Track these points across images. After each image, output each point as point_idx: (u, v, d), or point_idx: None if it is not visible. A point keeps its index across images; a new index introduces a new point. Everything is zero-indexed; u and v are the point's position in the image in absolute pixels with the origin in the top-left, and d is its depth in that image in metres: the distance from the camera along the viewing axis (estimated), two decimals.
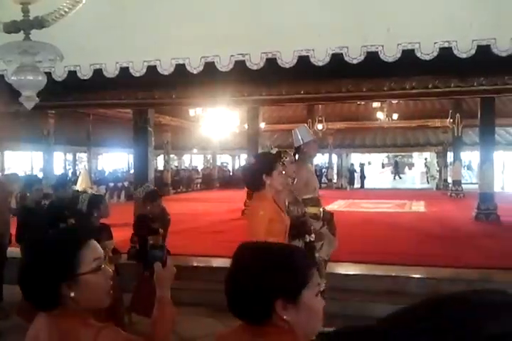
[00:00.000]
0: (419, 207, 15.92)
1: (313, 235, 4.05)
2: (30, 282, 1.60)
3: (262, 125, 17.15)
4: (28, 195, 6.03)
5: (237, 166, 32.09)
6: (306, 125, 5.85)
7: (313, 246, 4.19)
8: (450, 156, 19.66)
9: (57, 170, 20.65)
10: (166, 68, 4.66)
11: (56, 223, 5.70)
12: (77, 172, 22.56)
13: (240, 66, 4.60)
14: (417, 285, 6.39)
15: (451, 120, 18.27)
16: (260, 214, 3.43)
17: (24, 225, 5.69)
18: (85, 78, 4.91)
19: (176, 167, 29.51)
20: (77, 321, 1.60)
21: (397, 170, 37.33)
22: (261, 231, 3.36)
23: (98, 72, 4.90)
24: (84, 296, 1.60)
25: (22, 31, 2.74)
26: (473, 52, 4.08)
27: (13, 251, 6.54)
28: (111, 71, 4.78)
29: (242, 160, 30.37)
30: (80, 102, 6.73)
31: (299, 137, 5.04)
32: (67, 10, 2.40)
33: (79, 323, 1.60)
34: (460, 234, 10.05)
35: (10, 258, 6.38)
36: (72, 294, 1.58)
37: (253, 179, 3.61)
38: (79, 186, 14.28)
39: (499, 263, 7.17)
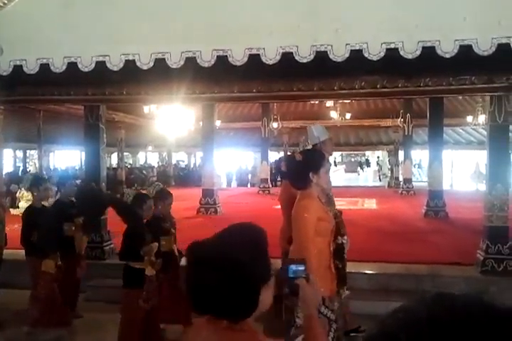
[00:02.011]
0: (371, 204, 16.22)
1: (345, 237, 3.82)
2: (232, 288, 1.38)
3: (218, 123, 17.13)
4: (35, 194, 5.63)
5: (193, 164, 31.92)
6: (317, 124, 5.60)
7: (343, 248, 3.99)
8: (401, 155, 20.11)
9: (7, 167, 20.02)
10: (115, 64, 4.60)
11: (63, 223, 5.57)
12: (28, 170, 21.96)
13: (192, 63, 4.58)
14: (368, 281, 6.52)
15: (402, 120, 18.70)
16: (305, 216, 3.28)
17: (32, 226, 5.38)
18: (32, 73, 4.78)
19: (130, 165, 29.10)
20: (253, 336, 1.44)
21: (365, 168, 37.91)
22: (309, 232, 3.23)
23: (45, 67, 4.78)
24: (264, 300, 1.46)
25: None
26: (418, 53, 4.20)
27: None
28: (58, 66, 4.68)
29: (198, 157, 30.23)
30: (27, 98, 6.53)
31: (315, 135, 4.89)
32: (5, 1, 2.34)
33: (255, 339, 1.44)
34: (410, 230, 10.30)
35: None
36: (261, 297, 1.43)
37: (299, 177, 3.44)
38: None
39: (448, 258, 7.39)
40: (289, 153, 5.49)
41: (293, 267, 1.75)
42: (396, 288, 6.41)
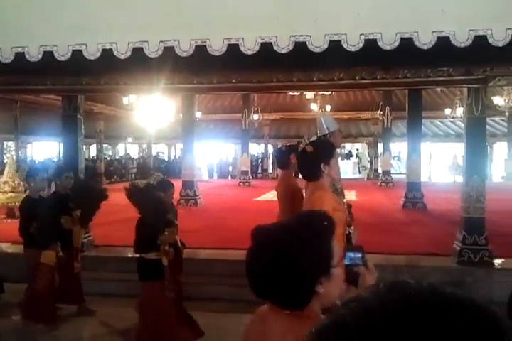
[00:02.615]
0: (350, 196, 16.29)
1: (352, 227, 3.78)
2: (286, 275, 1.37)
3: (198, 114, 17.04)
4: (31, 184, 5.53)
5: (173, 156, 31.76)
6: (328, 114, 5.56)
7: (350, 238, 3.91)
8: (380, 147, 20.27)
9: None
10: (92, 53, 4.52)
11: (60, 215, 5.49)
12: (4, 162, 21.61)
13: (171, 53, 4.53)
14: None
15: (382, 112, 18.83)
16: (323, 207, 3.14)
17: (30, 217, 5.30)
18: (6, 61, 4.69)
19: (110, 156, 28.85)
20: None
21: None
22: None
23: (20, 56, 4.69)
24: (328, 292, 1.42)
25: None
26: (396, 44, 4.21)
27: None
28: (34, 54, 4.58)
29: (178, 149, 30.06)
30: (2, 87, 6.42)
31: (324, 126, 4.84)
32: None
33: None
34: (389, 221, 10.41)
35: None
36: (322, 289, 1.41)
37: (311, 168, 3.39)
38: (5, 176, 13.66)
39: (425, 249, 7.49)
40: (287, 144, 5.45)
41: (351, 254, 1.71)
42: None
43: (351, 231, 3.56)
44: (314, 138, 4.18)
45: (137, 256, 4.55)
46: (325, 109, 22.07)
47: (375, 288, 0.56)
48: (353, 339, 0.51)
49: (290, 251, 1.37)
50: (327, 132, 4.79)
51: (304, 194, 4.69)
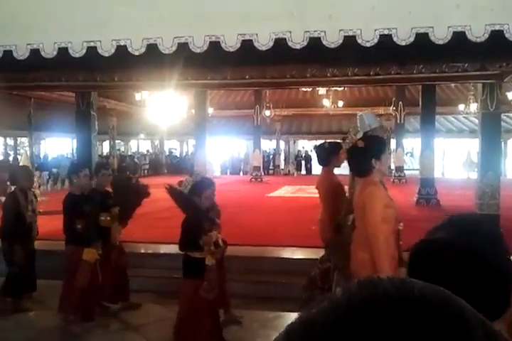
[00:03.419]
0: None
1: (401, 223, 3.65)
2: (480, 287, 1.25)
3: (210, 110, 17.06)
4: (74, 181, 5.42)
5: (185, 152, 31.85)
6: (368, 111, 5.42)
7: (399, 235, 3.97)
8: (393, 143, 20.17)
9: None
10: (106, 49, 4.53)
11: (100, 212, 5.45)
12: (19, 158, 21.79)
13: (184, 49, 4.53)
14: None
15: (394, 108, 18.72)
16: (375, 203, 3.24)
17: (75, 214, 5.23)
18: (22, 58, 4.72)
19: (123, 152, 28.98)
20: None
21: None
22: (378, 220, 3.18)
23: (35, 53, 4.72)
24: None
25: None
26: (412, 39, 4.18)
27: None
28: (49, 51, 4.60)
29: (190, 145, 30.13)
30: (16, 84, 6.47)
31: (366, 123, 4.78)
32: None
33: None
34: (402, 218, 10.31)
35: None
36: None
37: (362, 163, 3.38)
38: None
39: None
40: (329, 141, 5.38)
41: None
42: None
43: (400, 228, 3.49)
44: (361, 134, 4.15)
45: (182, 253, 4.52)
46: (337, 105, 21.99)
47: (347, 287, 0.56)
48: (319, 338, 0.52)
49: (480, 260, 1.27)
50: (369, 129, 4.72)
51: (347, 190, 4.67)
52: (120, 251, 5.84)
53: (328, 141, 5.51)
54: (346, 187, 4.82)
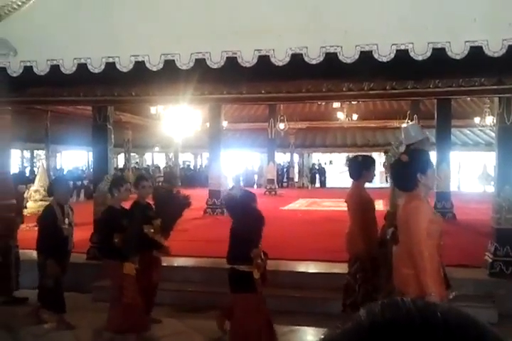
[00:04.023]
0: (377, 205, 16.18)
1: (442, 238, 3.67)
2: None
3: (224, 124, 17.14)
4: (115, 195, 5.38)
5: (199, 165, 31.95)
6: (415, 122, 5.35)
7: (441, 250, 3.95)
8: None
9: (13, 168, 20.11)
10: (125, 65, 4.60)
11: (143, 225, 5.37)
12: (35, 170, 22.03)
13: (201, 64, 4.59)
14: None
15: (409, 121, 18.64)
16: (419, 218, 3.19)
17: (114, 228, 5.13)
18: (42, 74, 4.80)
19: (137, 165, 29.16)
20: None
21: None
22: (423, 235, 3.14)
23: (55, 68, 4.80)
24: None
25: None
26: (428, 54, 4.19)
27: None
28: (68, 67, 4.69)
29: (204, 158, 30.23)
30: (36, 99, 6.56)
31: (412, 135, 4.75)
32: (20, 3, 2.35)
33: None
34: None
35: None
36: None
37: (407, 178, 3.33)
38: (36, 185, 13.92)
39: (456, 260, 7.35)
40: (361, 155, 5.35)
41: None
42: None
43: (441, 243, 3.45)
44: (403, 147, 4.11)
45: (229, 267, 4.49)
46: (351, 118, 21.98)
47: (370, 307, 0.56)
48: None
49: None
50: (414, 141, 4.68)
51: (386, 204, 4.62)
52: (158, 265, 5.78)
53: (361, 154, 5.47)
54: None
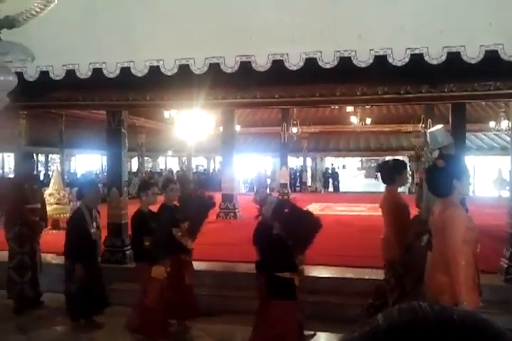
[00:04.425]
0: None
1: (479, 245, 3.56)
2: None
3: (237, 128, 17.17)
4: (143, 199, 5.43)
5: (212, 169, 32.02)
6: (441, 126, 5.33)
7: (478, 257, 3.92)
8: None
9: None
10: (140, 70, 4.64)
11: (172, 228, 5.41)
12: (50, 174, 22.22)
13: (215, 69, 4.60)
14: None
15: (423, 125, 18.53)
16: (456, 225, 3.17)
17: (144, 231, 5.17)
18: (58, 79, 4.85)
19: (150, 169, 29.30)
20: None
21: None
22: (459, 242, 3.12)
23: (71, 73, 4.85)
24: None
25: None
26: (443, 58, 4.16)
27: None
28: (84, 72, 4.73)
29: (217, 162, 30.30)
30: (52, 103, 6.64)
31: (439, 140, 4.76)
32: (38, 10, 2.38)
33: None
34: None
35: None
36: None
37: (443, 184, 3.30)
38: (51, 188, 14.02)
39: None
40: (393, 159, 5.32)
41: None
42: None
43: (478, 250, 3.41)
44: (436, 152, 4.08)
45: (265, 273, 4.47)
46: (365, 122, 21.90)
47: (387, 311, 0.57)
48: None
49: None
50: (440, 146, 4.68)
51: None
52: (189, 268, 5.78)
53: (392, 158, 5.46)
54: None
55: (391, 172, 4.90)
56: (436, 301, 3.17)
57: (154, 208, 5.64)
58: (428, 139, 4.76)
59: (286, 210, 4.53)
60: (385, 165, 5.20)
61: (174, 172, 29.25)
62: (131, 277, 6.12)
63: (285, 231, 4.32)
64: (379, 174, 5.16)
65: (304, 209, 5.28)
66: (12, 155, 17.40)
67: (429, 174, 3.57)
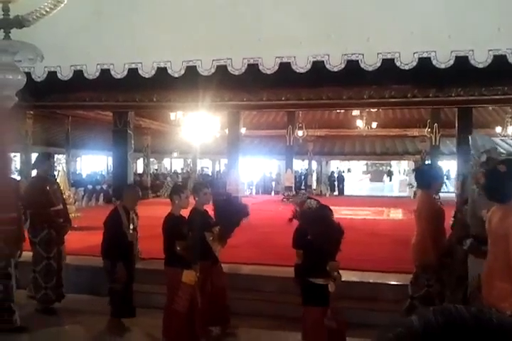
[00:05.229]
0: (397, 214, 16.04)
1: None
2: None
3: (243, 130, 17.19)
4: (176, 202, 5.28)
5: (217, 170, 32.04)
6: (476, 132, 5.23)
7: None
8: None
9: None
10: (147, 71, 4.64)
11: (203, 232, 5.31)
12: (55, 174, 22.28)
13: (222, 71, 4.61)
14: (394, 292, 6.43)
15: (429, 129, 18.50)
16: None
17: (175, 235, 5.07)
18: (65, 79, 4.86)
19: (156, 171, 29.35)
20: None
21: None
22: None
23: (78, 74, 4.86)
24: None
25: (2, 30, 2.72)
26: (451, 63, 4.15)
27: None
28: (91, 72, 4.74)
29: (222, 164, 30.32)
30: (59, 103, 6.67)
31: (479, 144, 4.68)
32: (48, 10, 2.39)
33: None
34: None
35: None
36: None
37: (505, 189, 3.20)
38: None
39: None
40: (429, 163, 5.29)
41: None
42: None
43: None
44: (484, 156, 4.04)
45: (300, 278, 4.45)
46: (371, 126, 21.89)
47: (423, 313, 0.56)
48: None
49: None
50: (483, 150, 4.61)
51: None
52: (219, 272, 5.71)
53: (426, 163, 5.44)
54: None
55: (427, 178, 4.88)
56: (495, 309, 3.11)
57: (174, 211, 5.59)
58: (470, 144, 4.71)
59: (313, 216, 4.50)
60: (420, 171, 5.19)
61: (179, 174, 29.31)
62: (136, 278, 6.10)
63: (312, 236, 4.31)
64: (413, 178, 5.13)
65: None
66: (18, 155, 17.42)
67: (489, 178, 3.46)
